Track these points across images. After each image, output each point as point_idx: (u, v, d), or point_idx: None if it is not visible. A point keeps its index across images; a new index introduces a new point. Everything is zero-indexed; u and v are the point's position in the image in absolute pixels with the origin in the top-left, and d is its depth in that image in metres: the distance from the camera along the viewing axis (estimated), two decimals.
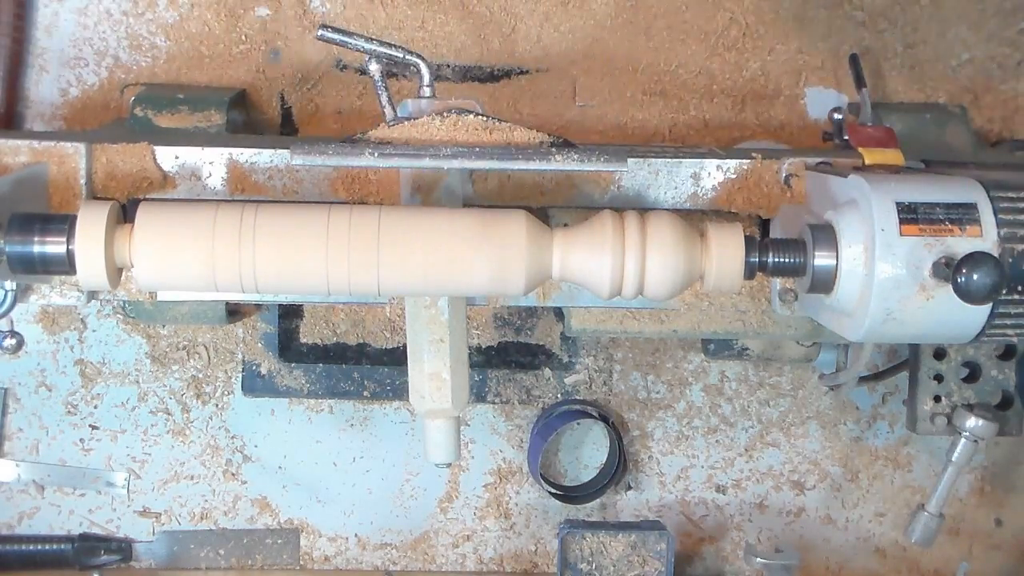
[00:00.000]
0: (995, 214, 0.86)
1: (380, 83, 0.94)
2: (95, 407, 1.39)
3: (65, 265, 0.88)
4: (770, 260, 0.91)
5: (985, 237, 0.85)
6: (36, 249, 0.88)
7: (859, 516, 1.46)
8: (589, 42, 1.36)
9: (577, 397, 1.41)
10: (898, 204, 0.85)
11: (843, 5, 1.37)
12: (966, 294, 0.79)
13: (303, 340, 1.37)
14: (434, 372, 0.97)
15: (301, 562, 1.43)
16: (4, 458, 1.39)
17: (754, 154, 1.04)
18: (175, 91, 1.27)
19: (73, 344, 1.38)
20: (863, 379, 1.30)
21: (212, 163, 1.01)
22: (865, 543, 1.46)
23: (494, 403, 1.40)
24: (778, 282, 1.01)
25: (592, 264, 0.89)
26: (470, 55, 1.35)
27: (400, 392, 1.36)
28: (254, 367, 1.36)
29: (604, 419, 1.38)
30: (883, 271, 0.84)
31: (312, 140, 1.15)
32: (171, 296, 1.08)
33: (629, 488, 1.44)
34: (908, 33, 1.38)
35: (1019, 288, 0.85)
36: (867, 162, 1.01)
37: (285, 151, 1.01)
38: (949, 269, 0.81)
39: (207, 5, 1.33)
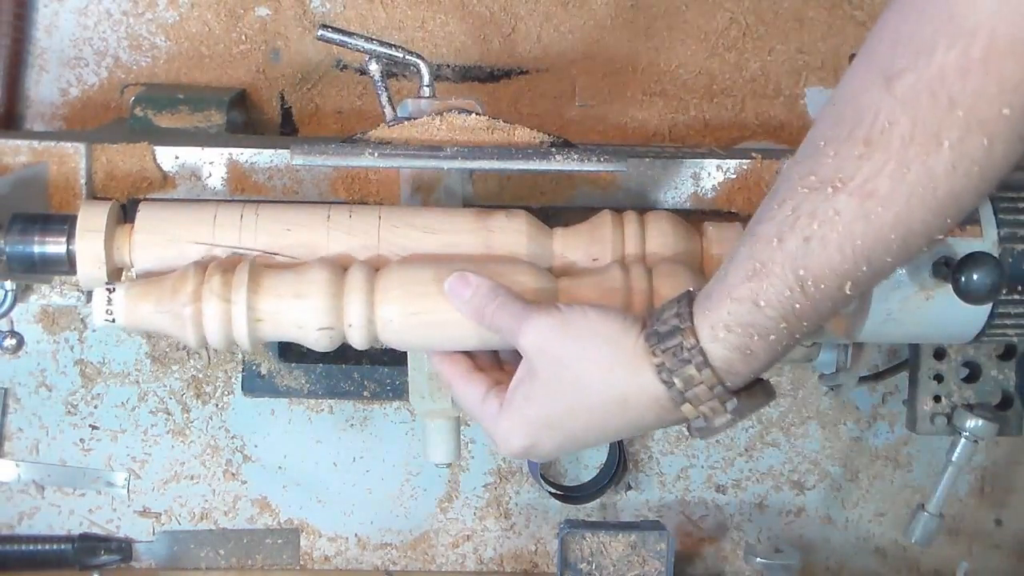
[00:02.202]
0: (995, 214, 0.86)
1: (380, 83, 0.94)
2: (95, 407, 1.39)
3: (65, 265, 0.88)
4: None
5: (985, 237, 0.85)
6: (36, 249, 0.88)
7: (859, 516, 1.46)
8: (589, 42, 1.35)
9: None
10: None
11: (843, 5, 1.37)
12: (966, 294, 0.79)
13: None
14: (434, 372, 0.97)
15: (301, 562, 1.43)
16: (4, 458, 1.39)
17: (754, 154, 1.03)
18: (175, 91, 1.27)
19: (73, 344, 1.38)
20: (863, 379, 1.30)
21: (212, 163, 1.01)
22: (865, 543, 1.46)
23: None
24: None
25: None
26: (470, 55, 1.35)
27: (400, 392, 1.36)
28: (254, 367, 1.36)
29: None
30: None
31: (312, 140, 1.15)
32: None
33: (629, 488, 1.44)
34: None
35: (1019, 288, 0.85)
36: None
37: (285, 151, 1.01)
38: (949, 269, 0.81)
39: (207, 5, 1.33)
